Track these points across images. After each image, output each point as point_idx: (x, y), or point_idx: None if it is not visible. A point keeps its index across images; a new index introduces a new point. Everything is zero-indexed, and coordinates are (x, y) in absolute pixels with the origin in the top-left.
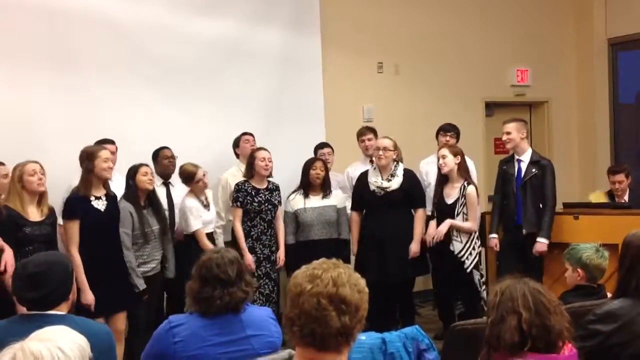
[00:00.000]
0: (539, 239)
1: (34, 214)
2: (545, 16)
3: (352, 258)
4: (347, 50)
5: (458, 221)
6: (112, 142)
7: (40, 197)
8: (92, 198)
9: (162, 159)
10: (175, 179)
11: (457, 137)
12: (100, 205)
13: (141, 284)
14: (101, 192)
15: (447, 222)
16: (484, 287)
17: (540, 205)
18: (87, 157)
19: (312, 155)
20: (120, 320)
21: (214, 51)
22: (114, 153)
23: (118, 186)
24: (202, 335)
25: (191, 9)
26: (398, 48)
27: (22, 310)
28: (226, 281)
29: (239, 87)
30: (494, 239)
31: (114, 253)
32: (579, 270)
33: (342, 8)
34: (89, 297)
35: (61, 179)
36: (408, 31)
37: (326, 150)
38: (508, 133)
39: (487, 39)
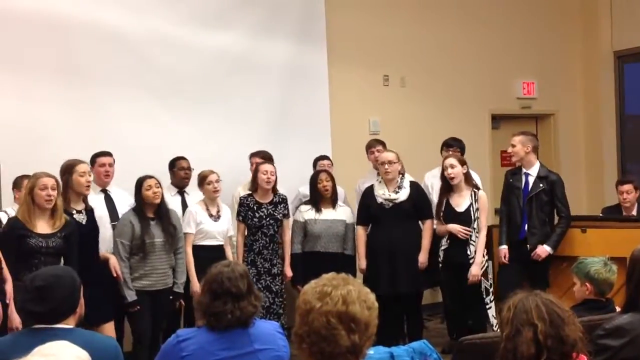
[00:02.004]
0: (544, 245)
1: (42, 227)
2: (551, 29)
3: (358, 274)
4: (353, 63)
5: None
6: (109, 154)
7: (53, 210)
8: (74, 212)
9: (179, 170)
10: (190, 188)
11: (462, 151)
12: (81, 218)
13: (131, 295)
14: (81, 206)
15: (478, 263)
16: (491, 297)
17: (547, 220)
18: (66, 171)
19: (317, 168)
20: (107, 331)
21: (221, 64)
22: (111, 165)
23: (116, 197)
24: (209, 349)
25: (198, 22)
26: (404, 61)
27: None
28: (237, 295)
29: (245, 99)
30: (503, 249)
31: (95, 265)
32: (587, 284)
33: (348, 21)
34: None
35: None
36: (414, 44)
37: (325, 162)
38: (513, 146)
39: (493, 51)
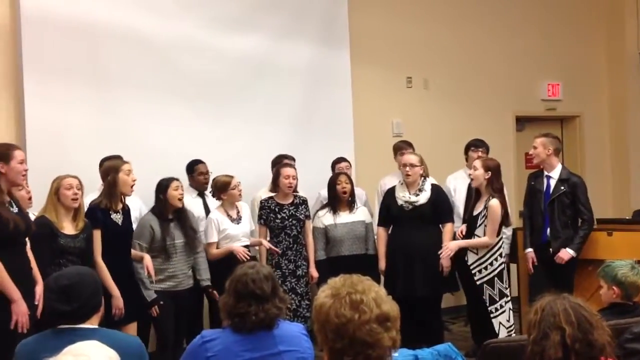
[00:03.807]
0: (567, 249)
1: (68, 228)
2: (577, 29)
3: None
4: (376, 65)
5: (473, 240)
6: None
7: (76, 212)
8: (112, 212)
9: (197, 175)
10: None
11: (487, 152)
12: (118, 218)
13: (150, 295)
14: (119, 206)
15: (455, 244)
16: (498, 305)
17: (569, 222)
18: (111, 170)
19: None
20: (131, 332)
21: (244, 66)
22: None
23: (131, 202)
24: (234, 350)
25: (222, 25)
26: (427, 62)
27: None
28: (261, 297)
29: (268, 102)
30: (530, 253)
31: (126, 265)
32: (614, 288)
33: (371, 23)
34: (120, 303)
35: (91, 191)
36: (437, 45)
37: (344, 164)
38: (534, 147)
39: (518, 52)
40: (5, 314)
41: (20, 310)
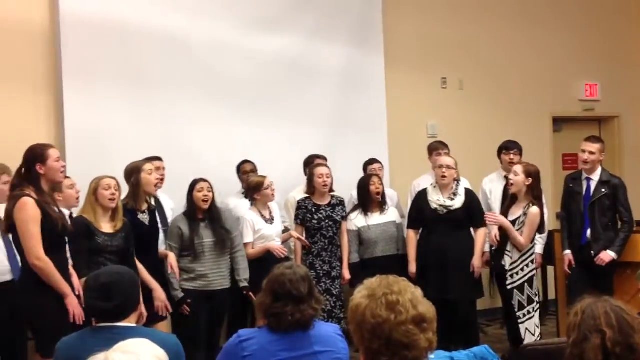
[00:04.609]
0: (608, 251)
1: (106, 227)
2: (614, 29)
3: None
4: (410, 66)
5: (514, 230)
6: (159, 159)
7: (113, 212)
8: (138, 213)
9: (242, 174)
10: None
11: (520, 154)
12: (144, 218)
13: (177, 295)
14: (145, 206)
15: (505, 220)
16: (526, 311)
17: (610, 224)
18: (133, 172)
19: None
20: (162, 329)
21: (278, 68)
22: (163, 169)
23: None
24: (270, 350)
25: (256, 26)
26: (462, 63)
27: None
28: (298, 298)
29: (302, 103)
30: (568, 255)
31: (155, 264)
32: None
33: (405, 24)
34: (162, 295)
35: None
36: (473, 46)
37: (376, 165)
38: (592, 153)
39: (555, 52)
40: (57, 308)
41: (73, 303)
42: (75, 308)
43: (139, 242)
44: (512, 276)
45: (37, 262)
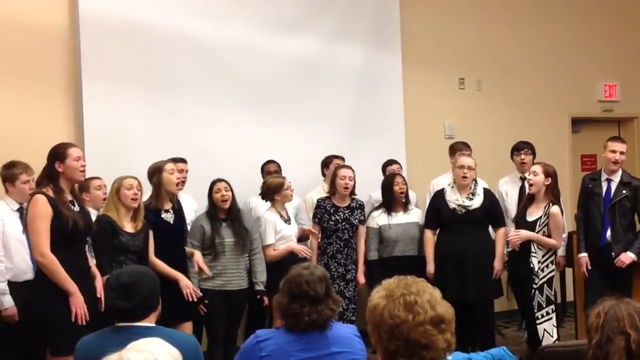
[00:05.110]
0: (628, 252)
1: (128, 227)
2: (634, 29)
3: None
4: (428, 66)
5: (543, 237)
6: (183, 160)
7: (135, 212)
8: (162, 211)
9: (266, 174)
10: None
11: (534, 154)
12: (169, 218)
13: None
14: (169, 206)
15: (527, 234)
16: (544, 312)
17: (629, 226)
18: (155, 172)
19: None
20: (186, 330)
21: (296, 69)
22: (185, 171)
23: (186, 204)
24: (287, 350)
25: (274, 28)
26: (480, 63)
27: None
28: (314, 298)
29: (320, 103)
30: (584, 257)
31: (181, 264)
32: None
33: (422, 24)
34: (188, 283)
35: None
36: (490, 46)
37: (395, 166)
38: (622, 153)
39: (573, 53)
40: (63, 307)
41: (77, 302)
42: (78, 307)
43: (165, 241)
44: (537, 276)
45: (40, 258)
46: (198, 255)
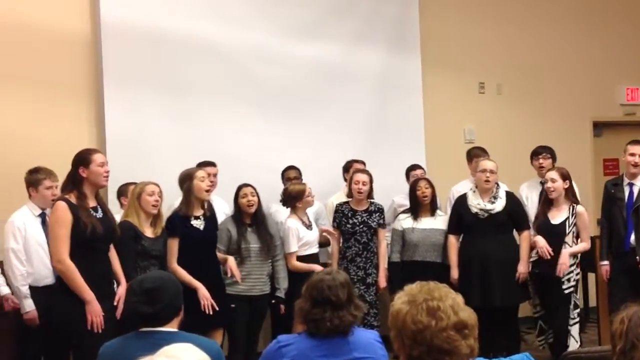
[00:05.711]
0: None
1: (148, 232)
2: None
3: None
4: (447, 71)
5: (571, 243)
6: (213, 164)
7: (155, 218)
8: (192, 218)
9: (286, 180)
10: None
11: (553, 158)
12: (199, 224)
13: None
14: (200, 212)
15: (567, 256)
16: (576, 314)
17: None
18: (186, 178)
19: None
20: (217, 337)
21: (316, 73)
22: (215, 175)
23: (216, 206)
24: (309, 355)
25: (293, 32)
26: (500, 67)
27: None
28: (337, 304)
29: (339, 108)
30: (605, 266)
31: (213, 271)
32: None
33: (442, 28)
34: (205, 293)
35: (171, 199)
36: (511, 50)
37: (419, 171)
38: None
39: (595, 56)
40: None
41: (93, 310)
42: (95, 316)
43: (194, 248)
44: (568, 280)
45: (58, 264)
46: (232, 261)
